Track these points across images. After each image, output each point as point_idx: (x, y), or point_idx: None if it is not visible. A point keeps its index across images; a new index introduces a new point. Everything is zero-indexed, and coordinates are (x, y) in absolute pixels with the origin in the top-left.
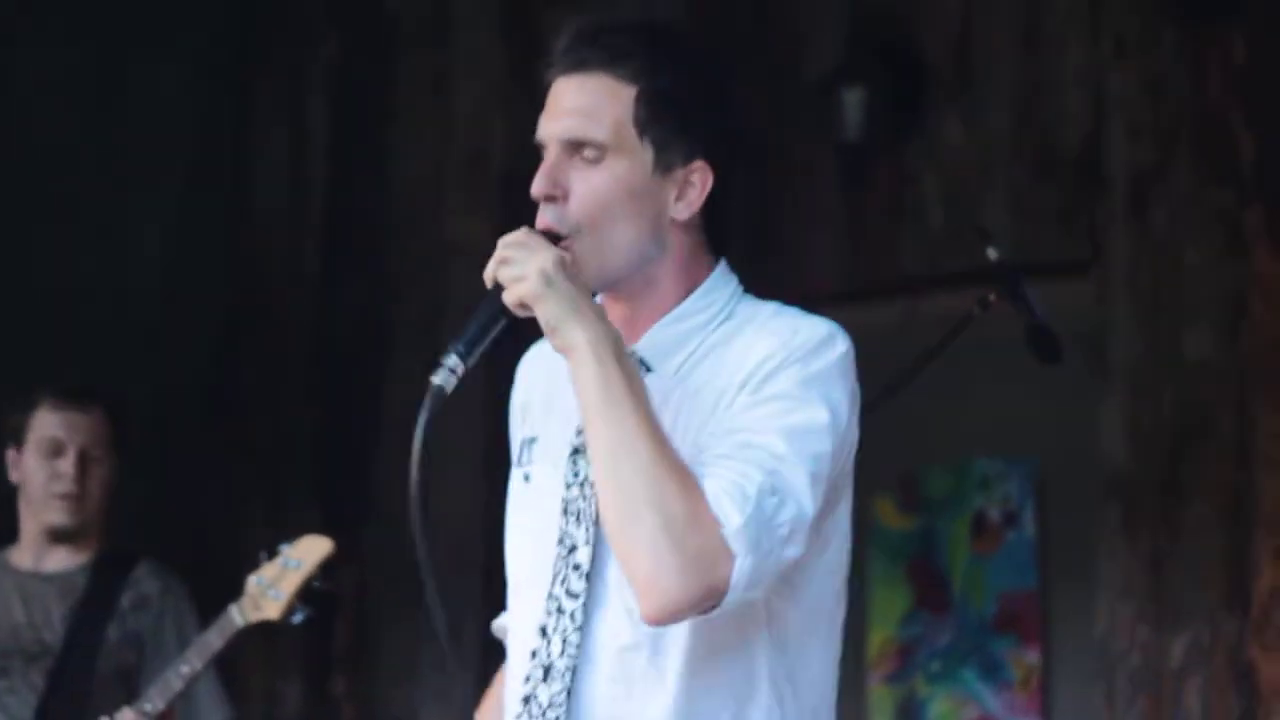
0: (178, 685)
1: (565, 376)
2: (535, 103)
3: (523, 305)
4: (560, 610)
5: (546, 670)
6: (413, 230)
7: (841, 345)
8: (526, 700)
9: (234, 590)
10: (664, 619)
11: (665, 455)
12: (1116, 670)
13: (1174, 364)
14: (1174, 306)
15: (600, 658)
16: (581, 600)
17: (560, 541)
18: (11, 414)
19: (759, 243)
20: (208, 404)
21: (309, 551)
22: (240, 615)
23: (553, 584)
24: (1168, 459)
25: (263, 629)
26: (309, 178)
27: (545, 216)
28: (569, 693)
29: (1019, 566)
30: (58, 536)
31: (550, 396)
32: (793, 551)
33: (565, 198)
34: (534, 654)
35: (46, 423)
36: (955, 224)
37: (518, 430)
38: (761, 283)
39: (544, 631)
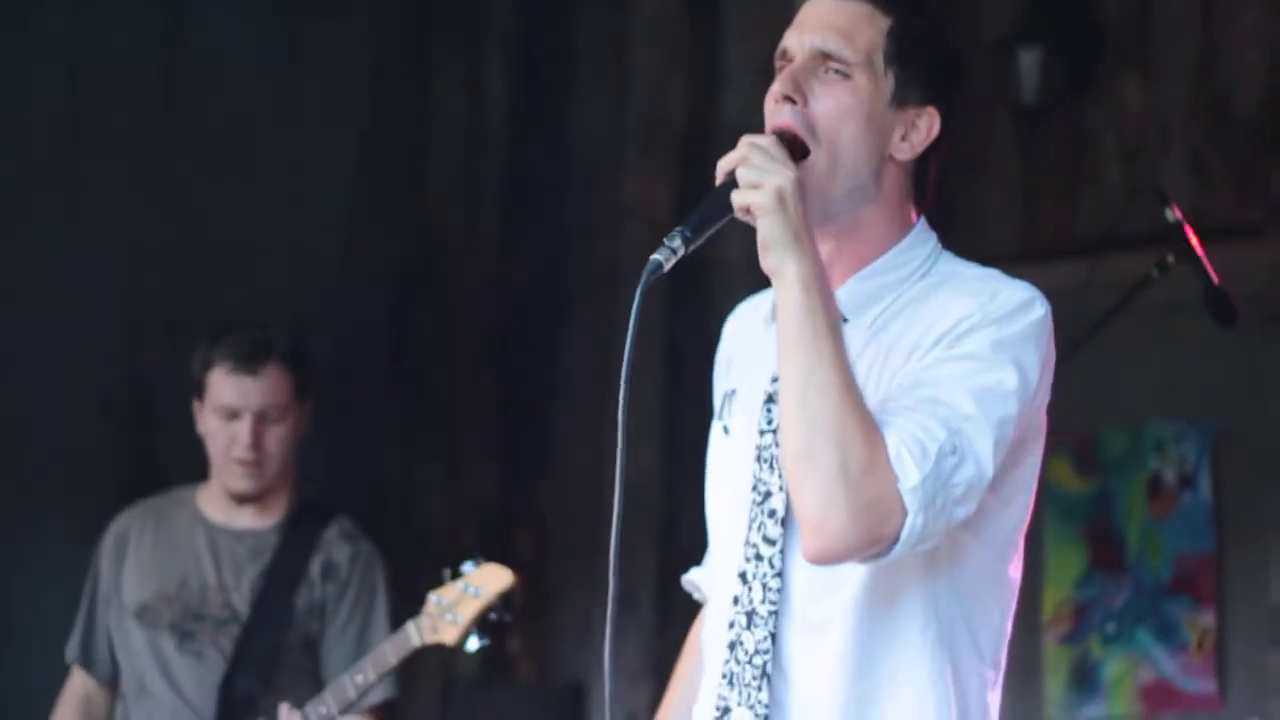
0: (352, 694)
1: (768, 325)
2: (712, 69)
3: (748, 212)
4: (759, 557)
5: (750, 616)
6: (589, 192)
7: (1039, 309)
8: (732, 646)
9: (411, 550)
10: (827, 560)
11: (854, 396)
12: None
13: None
14: None
15: (796, 602)
16: (779, 546)
17: (754, 488)
18: (194, 366)
19: (936, 203)
20: (386, 363)
21: (490, 581)
22: (418, 635)
23: (749, 530)
24: None
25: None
26: (487, 139)
27: (783, 115)
28: (773, 637)
29: (1195, 529)
30: (243, 500)
31: (749, 350)
32: (964, 511)
33: (804, 103)
34: (736, 600)
35: (221, 387)
36: (1133, 186)
37: (720, 384)
38: (940, 243)
39: (744, 578)
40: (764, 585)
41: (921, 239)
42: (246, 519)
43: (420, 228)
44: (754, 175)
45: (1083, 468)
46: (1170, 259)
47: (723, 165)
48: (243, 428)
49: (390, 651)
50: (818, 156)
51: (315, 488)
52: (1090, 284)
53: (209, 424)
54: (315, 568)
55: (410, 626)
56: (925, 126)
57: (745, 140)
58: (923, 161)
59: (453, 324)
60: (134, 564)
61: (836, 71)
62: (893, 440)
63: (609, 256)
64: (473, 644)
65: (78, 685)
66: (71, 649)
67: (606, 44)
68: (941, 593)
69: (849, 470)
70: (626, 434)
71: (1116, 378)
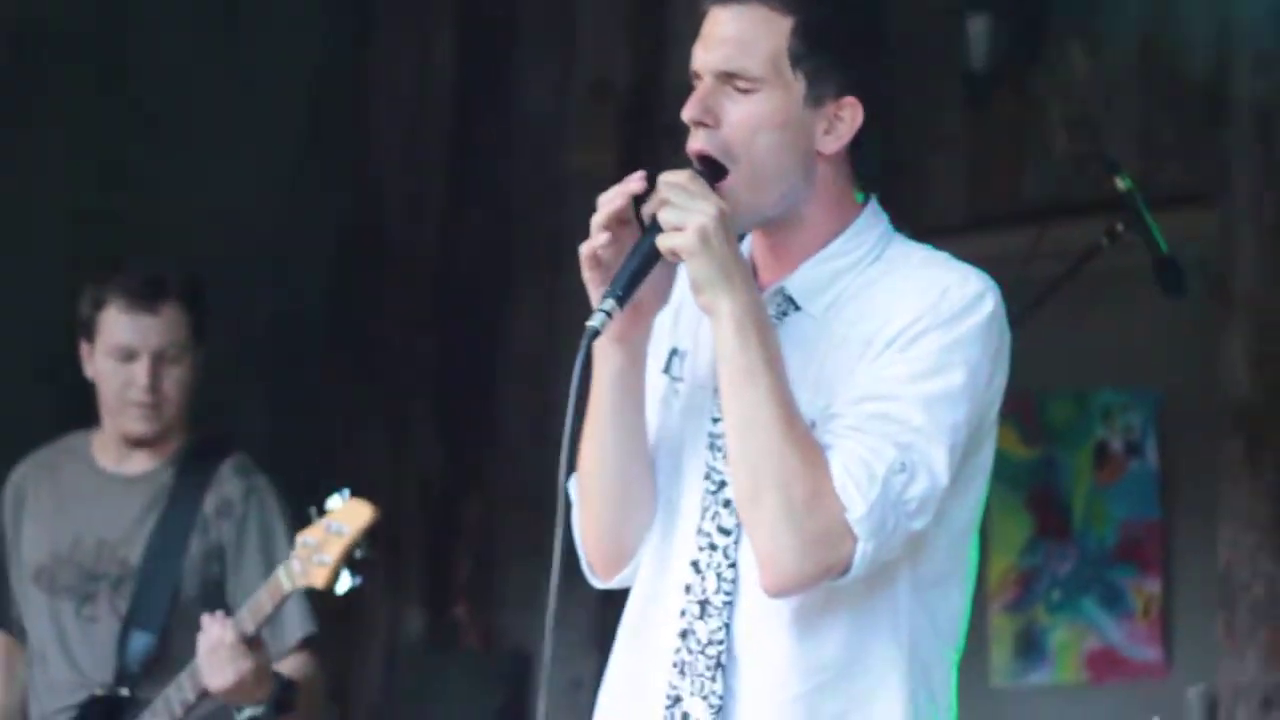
0: (248, 629)
1: None
2: (658, 35)
3: (675, 255)
4: (713, 546)
5: (703, 605)
6: (535, 160)
7: (989, 304)
8: (684, 634)
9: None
10: (781, 593)
11: (794, 432)
12: (1238, 601)
13: None
14: None
15: (754, 593)
16: (734, 537)
17: (708, 476)
18: (83, 306)
19: (883, 171)
20: (329, 330)
21: (353, 517)
22: (289, 579)
23: (702, 518)
24: None
25: (386, 556)
26: (432, 106)
27: (697, 140)
28: (727, 628)
29: (1141, 497)
30: (138, 443)
31: (702, 314)
32: (921, 523)
33: (717, 124)
34: (688, 588)
35: (116, 326)
36: (1080, 154)
37: (666, 335)
38: (886, 211)
39: (696, 566)
40: (718, 575)
41: (871, 222)
42: (139, 462)
43: (365, 194)
44: (676, 216)
45: (1028, 435)
46: (1119, 227)
47: (647, 210)
48: (140, 369)
49: (265, 598)
50: (738, 174)
51: (211, 427)
52: (1038, 252)
53: (101, 366)
54: (209, 505)
55: (281, 571)
56: (849, 117)
57: (663, 180)
58: (856, 147)
59: (396, 291)
60: (30, 522)
61: (741, 89)
62: (837, 468)
63: (554, 224)
64: (343, 584)
65: None
66: None
67: (552, 11)
68: (901, 580)
69: (794, 506)
70: (567, 502)
71: (1063, 345)
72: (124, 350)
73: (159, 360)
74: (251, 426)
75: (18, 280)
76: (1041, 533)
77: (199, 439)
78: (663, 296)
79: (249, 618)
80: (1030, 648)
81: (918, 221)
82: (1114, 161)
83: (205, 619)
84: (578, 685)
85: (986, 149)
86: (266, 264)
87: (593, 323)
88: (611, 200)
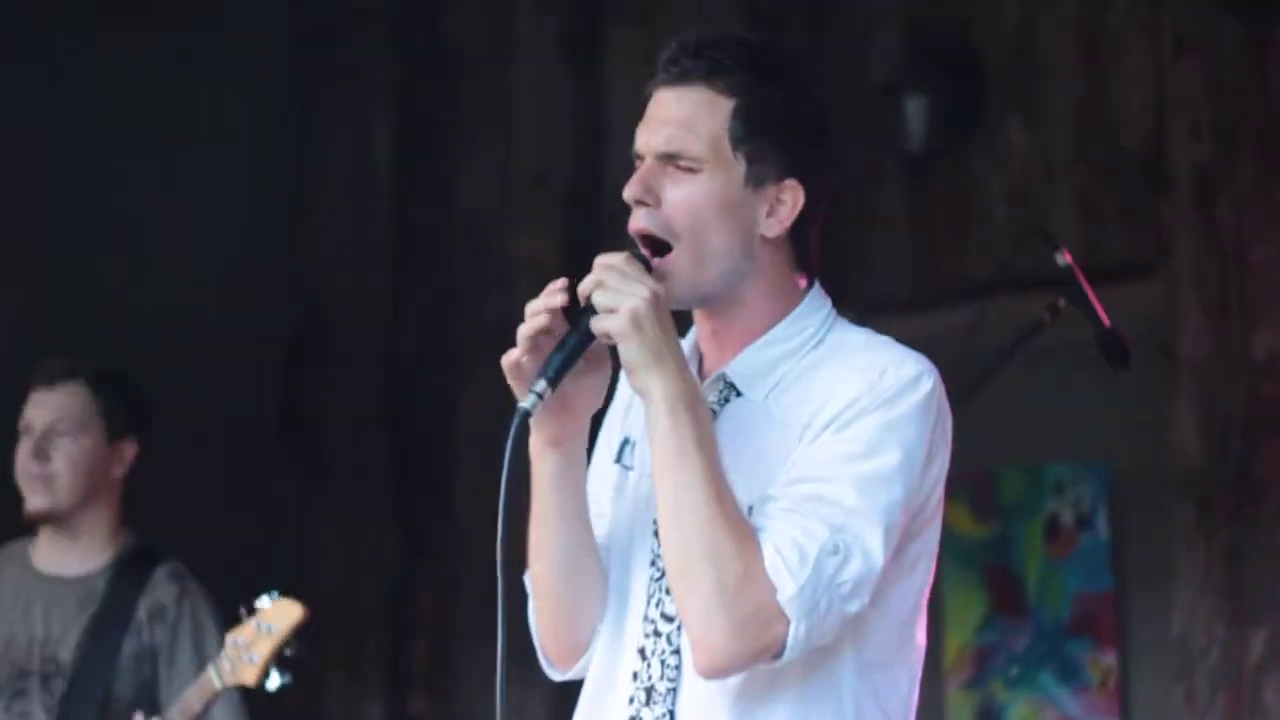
0: None
1: None
2: (596, 123)
3: (607, 336)
4: (657, 633)
5: (649, 692)
6: (479, 247)
7: (926, 385)
8: None
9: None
10: (715, 675)
11: (726, 513)
12: (1196, 668)
13: (1243, 361)
14: (1242, 304)
15: (696, 678)
16: (677, 623)
17: (653, 563)
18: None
19: (825, 251)
20: (282, 423)
21: (282, 616)
22: (219, 678)
23: (648, 606)
24: (1241, 455)
25: (344, 647)
26: (373, 197)
27: (638, 219)
28: (671, 715)
29: (1094, 569)
30: (36, 521)
31: None
32: (855, 606)
33: (658, 203)
34: (635, 676)
35: (26, 406)
36: (1021, 228)
37: (618, 424)
38: (827, 290)
39: (643, 654)
40: (663, 662)
41: (813, 307)
42: (74, 564)
43: (310, 290)
44: (609, 299)
45: (980, 511)
46: (1061, 302)
47: (581, 291)
48: (26, 440)
49: (194, 698)
50: (680, 251)
51: (142, 534)
52: (982, 328)
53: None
54: (142, 611)
55: (211, 669)
56: (790, 200)
57: (599, 262)
58: (799, 230)
59: (346, 386)
60: None
61: (683, 168)
62: (769, 549)
63: (500, 312)
64: (273, 682)
65: None
66: None
67: (490, 101)
68: (846, 667)
69: (725, 586)
70: (506, 576)
71: (1012, 420)
72: (24, 425)
73: (48, 434)
74: (207, 522)
75: None
76: (997, 609)
77: (132, 547)
78: (596, 398)
79: (178, 716)
80: None
81: (863, 301)
82: (1053, 237)
83: (136, 718)
84: None
85: (928, 227)
86: (218, 362)
87: (524, 404)
88: (536, 314)
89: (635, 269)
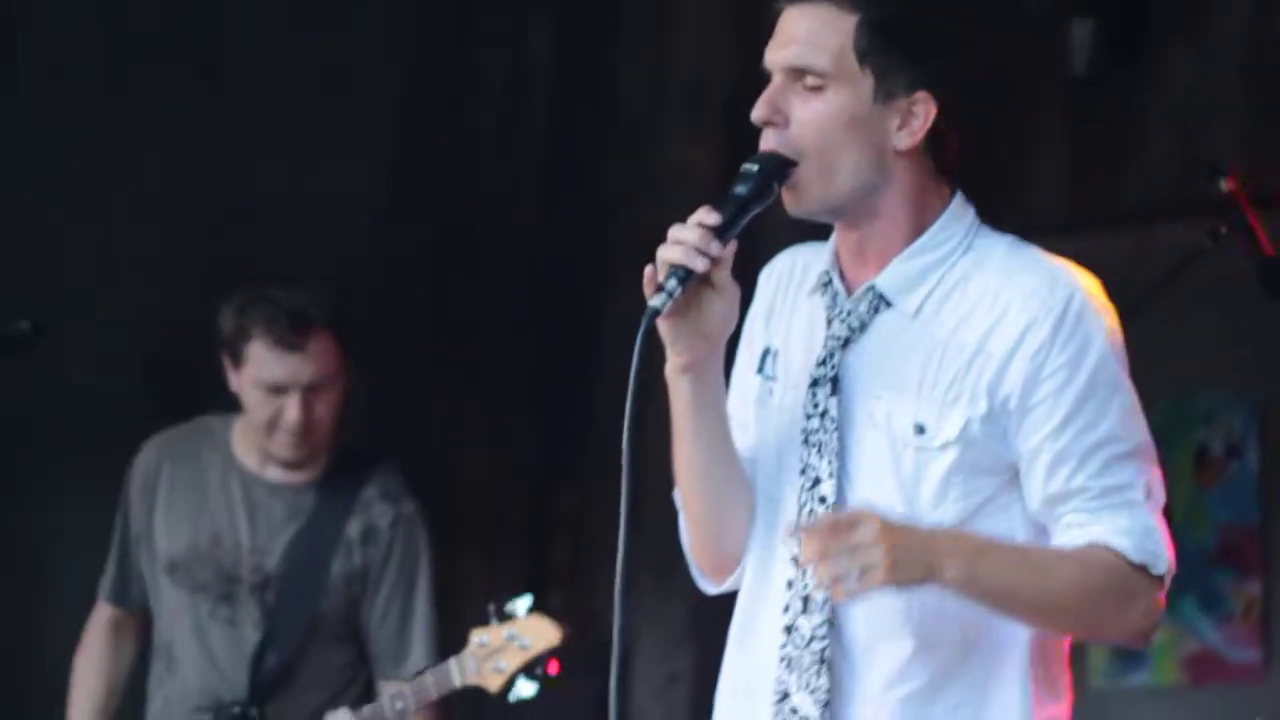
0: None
1: (810, 295)
2: (760, 29)
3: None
4: None
5: (805, 601)
6: (633, 155)
7: (1095, 296)
8: (789, 630)
9: (453, 511)
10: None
11: (1082, 573)
12: None
13: None
14: None
15: None
16: None
17: (803, 472)
18: (225, 328)
19: (983, 174)
20: (426, 326)
21: (539, 637)
22: (460, 675)
23: (799, 514)
24: None
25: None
26: (529, 99)
27: (768, 139)
28: (830, 624)
29: (1241, 499)
30: (285, 465)
31: (793, 312)
32: None
33: (786, 123)
34: (790, 584)
35: (264, 362)
36: (1184, 155)
37: (759, 335)
38: (987, 213)
39: (796, 562)
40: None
41: (957, 215)
42: (283, 471)
43: (461, 190)
44: (848, 567)
45: None
46: (1223, 229)
47: (818, 581)
48: (291, 403)
49: (432, 685)
50: (807, 167)
51: (354, 437)
52: (1140, 254)
53: (250, 394)
54: (353, 530)
55: (453, 664)
56: (922, 112)
57: (815, 550)
58: (934, 141)
59: (494, 287)
60: (164, 507)
61: (809, 87)
62: (1130, 545)
63: (651, 220)
64: (521, 691)
65: (105, 615)
66: (105, 587)
67: (652, 4)
68: None
69: (1132, 602)
70: (631, 491)
71: (1165, 348)
72: (274, 385)
73: (310, 392)
74: (351, 421)
75: (116, 275)
76: None
77: (341, 457)
78: (728, 321)
79: (412, 697)
80: (1129, 650)
81: (1019, 225)
82: (1217, 163)
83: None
84: (675, 679)
85: (1088, 151)
86: (363, 264)
87: (654, 302)
88: (678, 242)
89: (839, 526)
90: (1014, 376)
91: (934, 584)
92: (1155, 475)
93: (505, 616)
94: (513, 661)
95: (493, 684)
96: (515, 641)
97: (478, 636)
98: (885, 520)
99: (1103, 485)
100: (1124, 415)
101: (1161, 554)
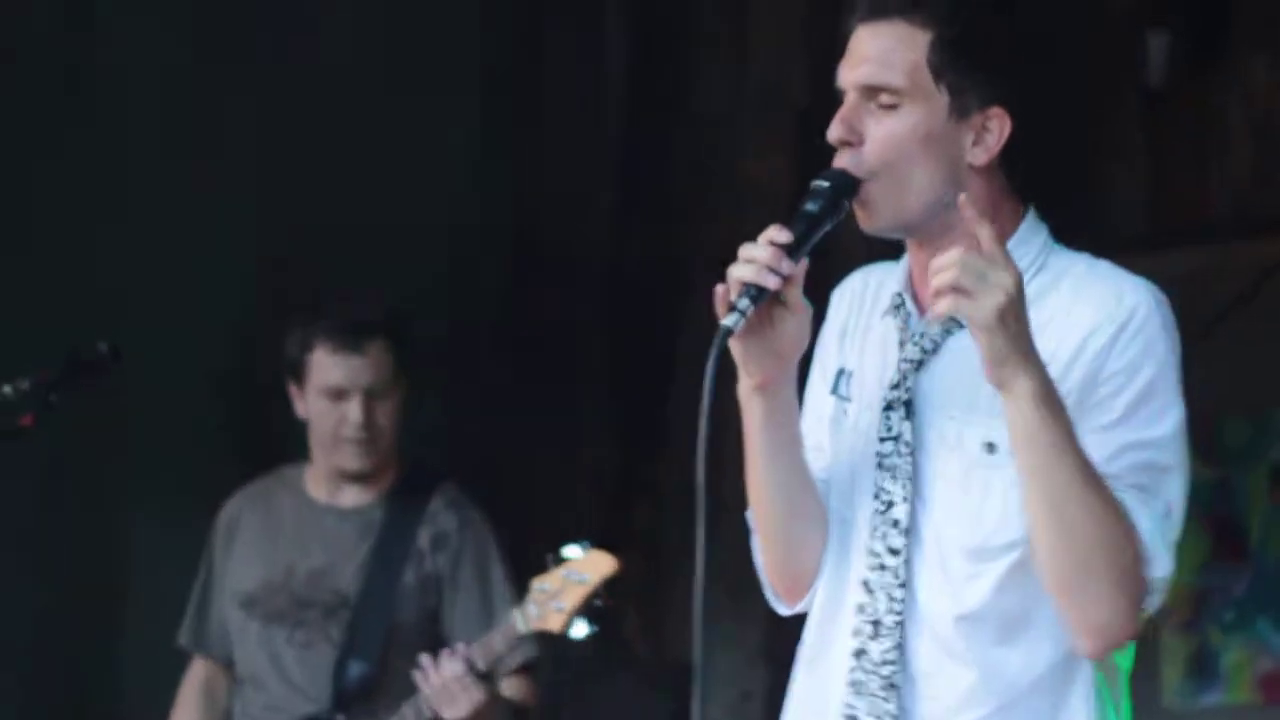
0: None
1: (883, 316)
2: (835, 41)
3: (960, 319)
4: (883, 566)
5: (875, 625)
6: (708, 165)
7: (1164, 310)
8: (858, 654)
9: (528, 521)
10: (1106, 655)
11: (1108, 504)
12: None
13: None
14: None
15: (923, 614)
16: (903, 557)
17: (876, 496)
18: (290, 349)
19: (1059, 190)
20: (501, 333)
21: (594, 568)
22: (524, 622)
23: (871, 539)
24: None
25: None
26: (605, 109)
27: (841, 159)
28: (900, 648)
29: None
30: (352, 478)
31: (866, 333)
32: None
33: (861, 143)
34: (860, 608)
35: (325, 367)
36: (1264, 168)
37: (833, 355)
38: (1064, 228)
39: (867, 586)
40: (889, 596)
41: (1032, 232)
42: (352, 496)
43: (535, 198)
44: (971, 283)
45: (1205, 455)
46: None
47: (937, 286)
48: (353, 407)
49: (499, 640)
50: (878, 184)
51: (420, 453)
52: (1219, 269)
53: (314, 406)
54: (424, 539)
55: (516, 614)
56: (996, 128)
57: (953, 260)
58: (1008, 157)
59: (569, 296)
60: (241, 551)
61: (883, 105)
62: (1145, 529)
63: (728, 232)
64: (579, 630)
65: (198, 672)
66: (184, 633)
67: (729, 14)
68: None
69: (1126, 571)
70: (707, 512)
71: (1240, 365)
72: (335, 390)
73: (370, 397)
74: (428, 426)
75: (191, 290)
76: (1217, 553)
77: (408, 474)
78: (800, 340)
79: (480, 655)
80: (1203, 668)
81: (1097, 239)
82: None
83: (444, 655)
84: (747, 698)
85: (1166, 164)
86: (441, 267)
87: (726, 322)
88: (750, 261)
89: (998, 256)
90: (1074, 380)
91: (1005, 375)
92: (1180, 504)
93: (560, 560)
94: (571, 599)
95: (555, 624)
96: (573, 578)
97: (539, 583)
98: (1020, 296)
99: (1136, 481)
100: (1174, 432)
101: (1164, 562)
